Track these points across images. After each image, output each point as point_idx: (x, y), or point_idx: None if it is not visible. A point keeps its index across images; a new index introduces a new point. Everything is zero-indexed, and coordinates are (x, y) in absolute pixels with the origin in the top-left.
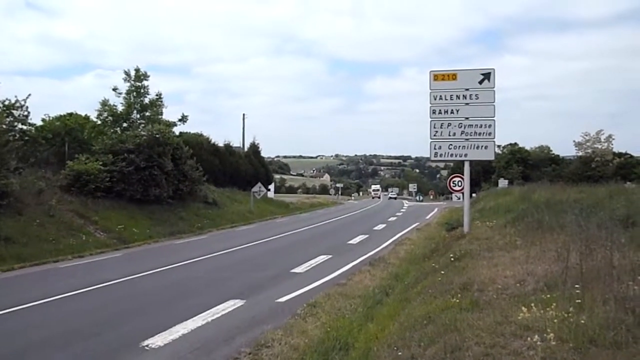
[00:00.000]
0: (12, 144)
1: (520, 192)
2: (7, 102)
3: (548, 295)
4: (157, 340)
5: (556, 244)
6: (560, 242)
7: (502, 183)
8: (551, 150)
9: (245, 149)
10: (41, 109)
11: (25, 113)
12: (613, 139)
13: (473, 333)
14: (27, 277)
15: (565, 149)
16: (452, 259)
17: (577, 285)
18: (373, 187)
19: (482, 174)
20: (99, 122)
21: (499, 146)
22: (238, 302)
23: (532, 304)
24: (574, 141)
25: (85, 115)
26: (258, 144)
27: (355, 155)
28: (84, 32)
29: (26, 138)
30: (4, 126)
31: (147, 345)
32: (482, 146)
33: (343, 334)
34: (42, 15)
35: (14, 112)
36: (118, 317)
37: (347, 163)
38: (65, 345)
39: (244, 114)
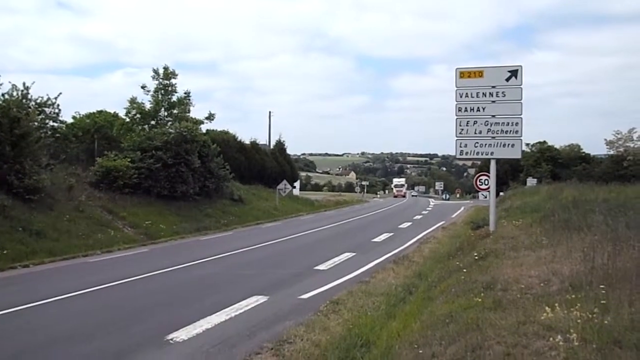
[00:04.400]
0: (43, 141)
1: (548, 191)
2: (39, 100)
3: (573, 296)
4: (182, 334)
5: (583, 244)
6: (587, 242)
7: (531, 182)
8: (581, 149)
9: (271, 147)
10: (72, 107)
11: (57, 111)
12: None
13: (495, 332)
14: (57, 271)
15: (596, 147)
16: (477, 258)
17: (602, 286)
18: (395, 181)
19: (510, 173)
20: (128, 119)
21: (527, 144)
22: (261, 298)
23: (556, 304)
24: (605, 140)
25: (114, 112)
26: (284, 141)
27: (382, 153)
28: (113, 31)
29: (57, 135)
30: (36, 123)
31: (171, 339)
32: (508, 144)
33: (365, 331)
34: (72, 15)
35: (46, 109)
36: (144, 311)
37: (373, 161)
38: (91, 338)
39: (270, 112)
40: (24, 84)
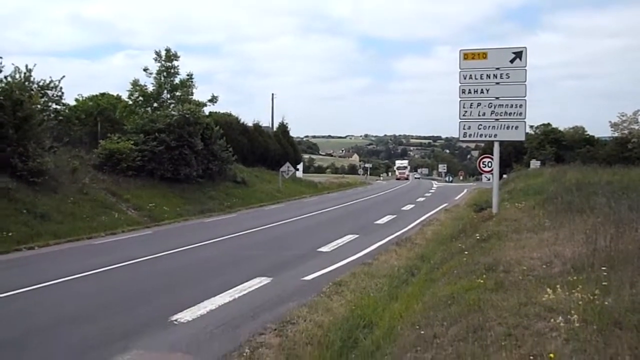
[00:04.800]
0: (46, 124)
1: (552, 174)
2: (41, 83)
3: (574, 278)
4: (186, 315)
5: (585, 226)
6: (589, 224)
7: (534, 164)
8: (586, 131)
9: (274, 129)
10: (74, 89)
11: (59, 93)
12: None
13: (496, 313)
14: (62, 253)
15: (600, 129)
16: (479, 240)
17: (604, 268)
18: (398, 163)
19: (514, 155)
20: (130, 102)
21: (531, 126)
22: (265, 280)
23: (558, 286)
24: (610, 122)
25: (117, 95)
26: (287, 123)
27: (385, 135)
28: (114, 12)
29: (60, 118)
30: (39, 106)
31: (175, 320)
32: (512, 126)
33: (367, 313)
34: None
35: (48, 92)
36: (148, 292)
37: (377, 143)
38: (97, 319)
39: (272, 94)
40: (26, 66)
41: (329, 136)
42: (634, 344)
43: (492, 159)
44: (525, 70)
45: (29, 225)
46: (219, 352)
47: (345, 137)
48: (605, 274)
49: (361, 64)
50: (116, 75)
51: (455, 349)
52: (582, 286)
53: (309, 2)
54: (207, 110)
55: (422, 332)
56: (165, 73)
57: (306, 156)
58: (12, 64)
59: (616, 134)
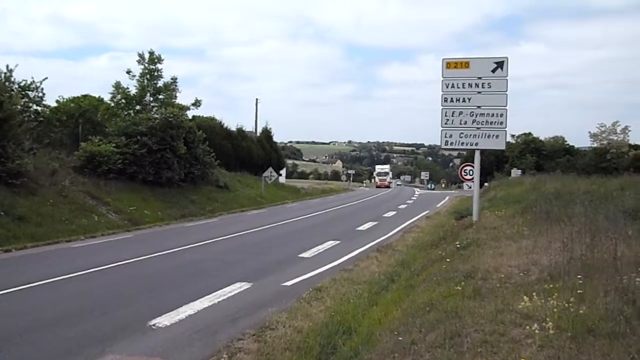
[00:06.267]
0: (26, 125)
1: (532, 183)
2: (22, 84)
3: (550, 285)
4: (164, 320)
5: (563, 235)
6: (567, 233)
7: (515, 173)
8: (566, 141)
9: (258, 134)
10: (56, 90)
11: (40, 94)
12: (629, 131)
13: (473, 320)
14: (40, 256)
15: (580, 139)
16: (459, 247)
17: (579, 276)
18: (378, 168)
19: (495, 164)
20: (113, 104)
21: (512, 136)
22: (245, 285)
23: (534, 294)
24: (590, 132)
25: (99, 97)
26: (270, 128)
27: (368, 142)
28: (98, 14)
29: (41, 119)
30: (19, 107)
31: (154, 325)
32: (493, 135)
33: (347, 319)
34: None
35: (29, 93)
36: (127, 296)
37: (360, 150)
38: (76, 323)
39: (257, 99)
40: (7, 66)
41: (313, 142)
42: (607, 352)
43: (473, 167)
44: (507, 79)
45: (6, 227)
46: (197, 357)
47: (328, 143)
48: (580, 282)
49: (346, 71)
50: (99, 77)
51: (432, 355)
52: (557, 294)
53: (297, 8)
54: (190, 114)
55: (401, 338)
56: (148, 76)
57: (289, 162)
58: None
59: (595, 144)
